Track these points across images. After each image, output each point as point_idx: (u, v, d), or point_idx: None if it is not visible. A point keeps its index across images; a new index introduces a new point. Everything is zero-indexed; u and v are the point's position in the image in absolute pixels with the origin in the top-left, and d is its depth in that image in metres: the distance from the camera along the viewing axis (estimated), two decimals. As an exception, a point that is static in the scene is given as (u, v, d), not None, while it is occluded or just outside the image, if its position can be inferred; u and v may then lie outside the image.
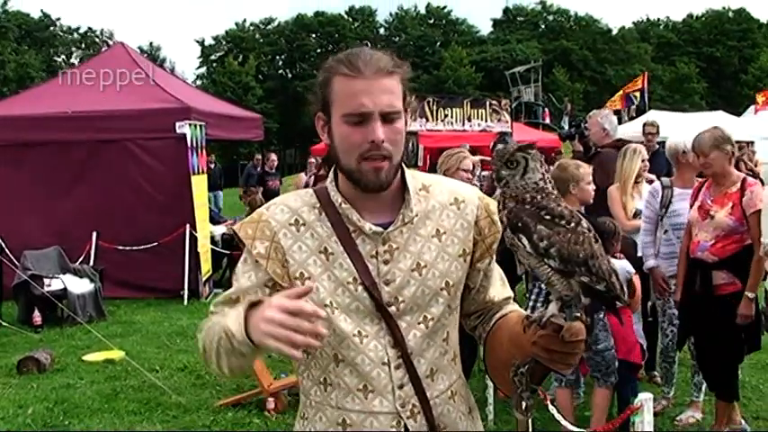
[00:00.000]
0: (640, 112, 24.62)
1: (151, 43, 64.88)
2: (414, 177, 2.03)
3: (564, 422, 3.56)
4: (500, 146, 1.82)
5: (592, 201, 5.35)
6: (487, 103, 20.31)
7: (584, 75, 62.36)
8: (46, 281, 9.68)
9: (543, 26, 68.48)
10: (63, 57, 58.08)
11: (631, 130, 20.07)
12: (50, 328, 9.27)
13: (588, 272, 1.70)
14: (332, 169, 2.01)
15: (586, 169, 5.21)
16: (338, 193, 1.98)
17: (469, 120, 19.74)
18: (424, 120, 18.91)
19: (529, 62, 47.37)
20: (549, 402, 3.62)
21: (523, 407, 1.85)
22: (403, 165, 2.00)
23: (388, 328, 1.94)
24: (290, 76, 63.29)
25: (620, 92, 27.27)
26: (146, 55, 52.48)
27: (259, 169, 18.05)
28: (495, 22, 69.87)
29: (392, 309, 1.94)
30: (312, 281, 1.93)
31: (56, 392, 6.79)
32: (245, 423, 5.94)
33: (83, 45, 59.77)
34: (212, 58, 64.25)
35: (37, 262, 9.94)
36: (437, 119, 19.15)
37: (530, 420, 2.08)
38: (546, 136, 24.14)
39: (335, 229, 1.95)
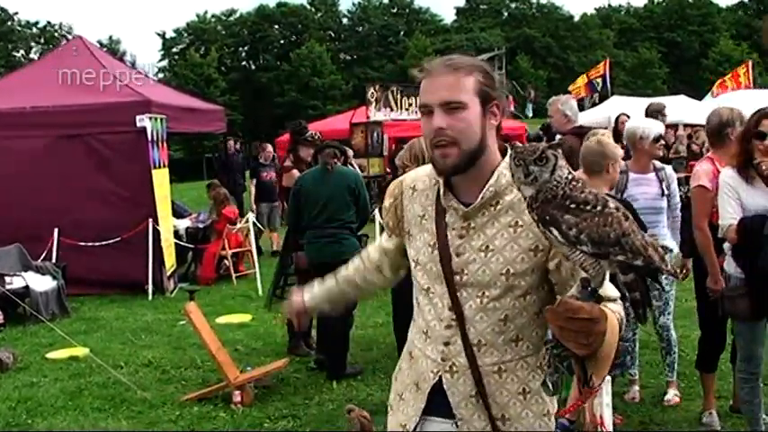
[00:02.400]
0: (603, 98, 24.82)
1: (111, 37, 64.26)
2: (509, 169, 2.10)
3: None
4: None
5: None
6: (451, 91, 20.26)
7: (547, 62, 62.68)
8: (7, 279, 9.55)
9: (506, 14, 68.70)
10: (22, 52, 57.31)
11: (596, 116, 20.29)
12: (13, 326, 9.15)
13: (623, 250, 1.77)
14: None
15: (620, 151, 5.14)
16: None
17: (433, 109, 19.67)
18: (389, 109, 18.89)
19: (492, 50, 47.49)
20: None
21: (546, 385, 1.94)
22: (510, 153, 2.05)
23: (450, 293, 2.22)
24: (253, 67, 62.88)
25: (583, 78, 27.40)
26: (105, 49, 51.93)
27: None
28: (459, 11, 70.04)
29: (456, 278, 2.22)
30: (412, 239, 2.37)
31: (18, 391, 6.71)
32: (211, 417, 5.91)
33: (42, 40, 59.00)
34: (174, 50, 63.68)
35: (-3, 260, 9.81)
36: (401, 108, 19.13)
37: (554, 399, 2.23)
38: (511, 123, 24.21)
39: (436, 199, 2.29)
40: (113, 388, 6.66)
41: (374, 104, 18.42)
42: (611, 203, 1.81)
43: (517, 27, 64.83)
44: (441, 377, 2.24)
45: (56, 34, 58.93)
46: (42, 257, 10.45)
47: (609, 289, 2.09)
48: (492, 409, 2.21)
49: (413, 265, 2.34)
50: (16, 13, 58.85)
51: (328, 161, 6.79)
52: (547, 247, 2.13)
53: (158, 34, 64.58)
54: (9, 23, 57.67)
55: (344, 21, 67.56)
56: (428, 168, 2.35)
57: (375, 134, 18.31)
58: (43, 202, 10.63)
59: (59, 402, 6.38)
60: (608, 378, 3.34)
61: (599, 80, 25.89)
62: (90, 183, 10.77)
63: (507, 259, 2.17)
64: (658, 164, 5.82)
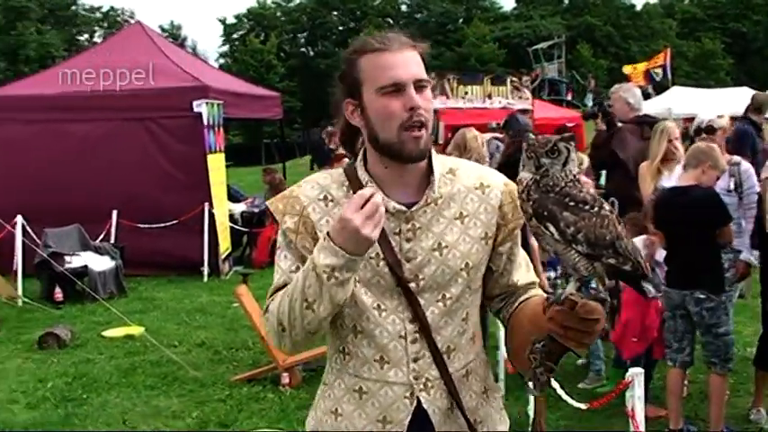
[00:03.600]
0: (663, 88, 24.39)
1: (172, 22, 65.07)
2: (441, 161, 2.09)
3: (566, 396, 3.58)
4: (520, 132, 1.81)
5: None
6: (508, 80, 20.11)
7: (608, 51, 61.75)
8: (67, 258, 9.81)
9: (567, 2, 67.82)
10: (86, 36, 58.32)
11: (656, 106, 20.00)
12: (72, 304, 9.41)
13: (615, 253, 1.73)
14: (361, 150, 2.08)
15: (723, 162, 5.15)
16: (366, 172, 2.05)
17: (490, 97, 19.57)
18: (445, 97, 18.85)
19: (552, 38, 46.96)
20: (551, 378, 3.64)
21: (538, 384, 1.87)
22: (432, 149, 2.06)
23: (408, 304, 2.01)
24: (312, 53, 63.16)
25: (642, 66, 26.88)
26: (167, 34, 52.68)
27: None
28: (518, -2, 69.38)
29: (412, 285, 2.01)
30: None
31: (75, 367, 6.92)
32: (259, 397, 6.02)
33: (105, 24, 59.98)
34: (234, 36, 64.23)
35: (58, 240, 10.07)
36: (457, 96, 19.06)
37: (545, 398, 2.07)
38: (568, 113, 23.97)
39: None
40: (166, 366, 6.82)
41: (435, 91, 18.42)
42: (607, 205, 1.78)
43: (578, 15, 63.95)
44: (418, 398, 2.02)
45: (118, 19, 59.84)
46: (101, 238, 10.71)
47: (525, 275, 2.15)
48: (469, 416, 2.06)
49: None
50: (80, -3, 59.86)
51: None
52: (494, 233, 2.07)
53: (219, 20, 65.10)
54: (73, 8, 58.68)
55: (403, 8, 67.42)
56: (321, 176, 2.13)
57: (431, 122, 18.31)
58: (103, 184, 10.88)
59: (113, 379, 6.56)
60: (640, 370, 3.33)
61: (658, 70, 25.34)
62: (148, 166, 10.99)
63: (463, 252, 2.03)
64: (735, 158, 5.73)
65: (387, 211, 1.97)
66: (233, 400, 6.00)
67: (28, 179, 10.99)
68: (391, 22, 64.29)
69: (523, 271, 2.14)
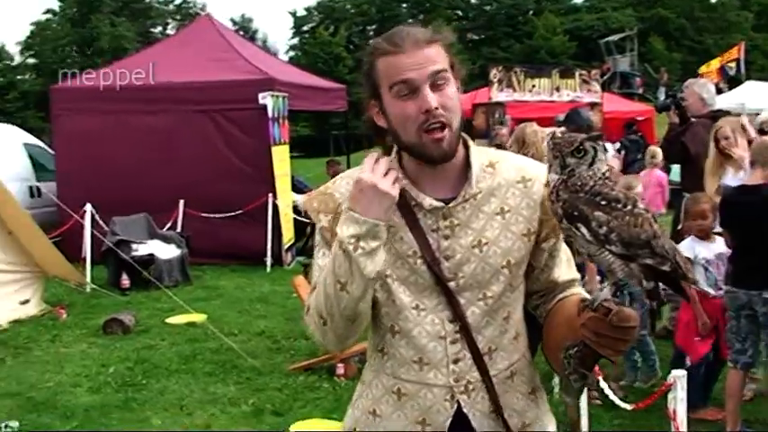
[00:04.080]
0: (737, 82, 23.80)
1: (243, 15, 65.83)
2: (481, 153, 2.01)
3: (613, 396, 3.54)
4: (560, 131, 1.73)
5: None
6: (577, 73, 19.88)
7: (681, 44, 60.47)
8: (134, 246, 10.07)
9: (640, -7, 66.67)
10: (159, 28, 59.36)
11: (729, 101, 19.52)
12: (138, 291, 9.64)
13: (652, 253, 1.67)
14: (394, 147, 2.02)
15: None
16: (400, 168, 1.97)
17: (558, 90, 19.38)
18: (511, 90, 18.71)
19: (624, 31, 46.23)
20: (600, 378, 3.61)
21: (572, 391, 1.84)
22: (470, 140, 2.00)
23: (447, 303, 1.95)
24: (380, 46, 63.31)
25: (716, 62, 26.23)
26: (237, 27, 53.33)
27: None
28: (591, -10, 68.34)
29: (451, 284, 1.94)
30: None
31: (137, 353, 7.09)
32: (314, 387, 6.08)
33: (178, 16, 60.99)
34: (304, 29, 64.71)
35: (125, 228, 10.33)
36: (524, 89, 18.89)
37: (579, 405, 2.00)
38: (639, 107, 23.59)
39: (398, 202, 1.91)
40: (225, 354, 6.93)
41: (496, 85, 18.30)
42: (641, 204, 1.72)
43: (651, 7, 62.72)
44: (458, 401, 1.96)
45: (191, 11, 60.77)
46: (168, 227, 10.95)
47: (566, 272, 2.07)
48: (512, 420, 1.99)
49: (378, 285, 1.93)
50: (154, -10, 60.96)
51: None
52: (536, 229, 1.98)
53: (290, 13, 65.78)
54: (147, 0, 59.79)
55: (473, 0, 67.07)
56: (357, 171, 1.96)
57: (497, 115, 18.19)
58: (170, 174, 11.11)
59: (173, 365, 6.70)
60: (683, 372, 3.27)
61: (732, 64, 24.67)
62: (214, 157, 11.18)
63: (505, 249, 1.95)
64: None
65: (423, 208, 1.94)
66: (289, 389, 6.08)
67: (98, 169, 11.29)
68: (460, 13, 64.06)
69: (564, 267, 2.07)
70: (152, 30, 58.27)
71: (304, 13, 65.77)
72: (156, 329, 7.96)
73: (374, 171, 1.82)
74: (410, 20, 61.74)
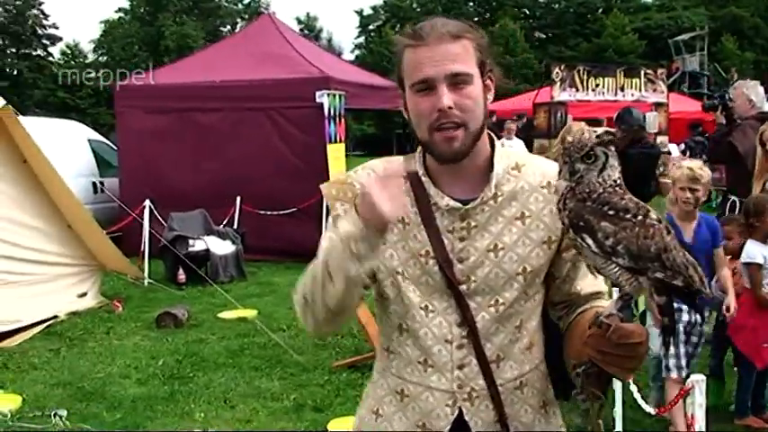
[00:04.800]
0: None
1: (308, 14, 66.34)
2: (506, 155, 1.96)
3: (641, 400, 3.50)
4: (574, 136, 1.64)
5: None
6: (642, 72, 19.45)
7: (755, 43, 59.08)
8: (190, 241, 10.24)
9: (713, -9, 65.32)
10: (228, 27, 60.16)
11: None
12: (193, 285, 9.80)
13: (662, 267, 1.59)
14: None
15: None
16: (422, 165, 1.95)
17: (622, 89, 18.96)
18: (574, 89, 18.47)
19: (694, 30, 45.30)
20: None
21: (581, 412, 1.80)
22: (497, 141, 1.96)
23: (457, 306, 1.90)
24: (446, 45, 63.20)
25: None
26: (302, 26, 53.73)
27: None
28: (661, -12, 67.18)
29: (463, 287, 1.89)
30: (386, 248, 1.91)
31: (187, 346, 7.22)
32: (357, 384, 6.11)
33: (246, 15, 61.76)
34: (370, 27, 64.94)
35: (183, 224, 10.52)
36: (587, 88, 18.59)
37: (594, 424, 1.80)
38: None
39: (417, 199, 1.92)
40: (272, 349, 7.03)
41: (558, 84, 18.10)
42: (653, 214, 1.64)
43: (723, 6, 61.35)
44: (460, 408, 1.91)
45: (259, 10, 61.48)
46: (224, 223, 11.11)
47: (591, 285, 1.98)
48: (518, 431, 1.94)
49: (389, 280, 1.93)
50: (223, -10, 61.80)
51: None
52: (558, 237, 1.91)
53: (356, 12, 66.00)
54: (217, 0, 60.67)
55: (541, -2, 66.50)
56: (380, 163, 2.03)
57: (558, 115, 17.97)
58: (227, 171, 11.29)
59: (221, 359, 6.82)
60: (702, 377, 3.21)
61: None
62: (270, 155, 11.31)
63: (522, 256, 1.89)
64: None
65: (440, 208, 1.91)
66: (331, 385, 6.13)
67: (158, 165, 11.56)
68: (527, 11, 63.56)
69: (589, 280, 1.98)
70: (221, 29, 59.12)
71: (370, 11, 66.01)
72: (208, 324, 8.09)
73: (380, 185, 1.74)
74: (476, 18, 61.59)
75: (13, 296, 7.63)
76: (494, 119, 16.44)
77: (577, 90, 18.48)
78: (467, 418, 1.91)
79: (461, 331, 1.90)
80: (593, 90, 18.64)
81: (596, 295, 1.99)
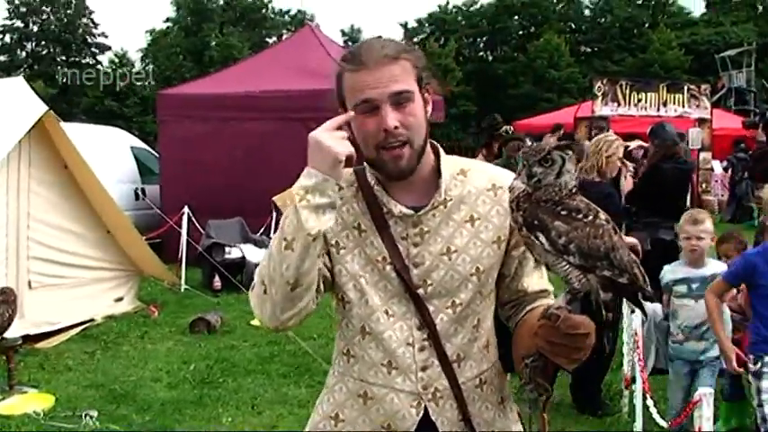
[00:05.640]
0: None
1: (352, 26, 66.60)
2: (452, 162, 2.04)
3: (655, 414, 3.49)
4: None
5: None
6: (685, 87, 19.37)
7: (805, 59, 58.25)
8: (227, 249, 10.38)
9: (761, 8, 64.44)
10: (274, 38, 60.75)
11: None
12: (229, 293, 9.93)
13: (610, 265, 1.68)
14: None
15: None
16: (373, 174, 2.01)
17: (665, 105, 18.92)
18: (616, 104, 18.38)
19: (742, 45, 44.78)
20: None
21: (531, 401, 1.86)
22: (441, 149, 2.03)
23: (416, 310, 1.96)
24: (490, 58, 63.04)
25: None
26: (346, 38, 54.03)
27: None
28: (709, 3, 66.25)
29: (420, 291, 1.96)
30: (345, 252, 1.98)
31: (219, 352, 7.32)
32: (383, 393, 6.15)
33: (292, 27, 62.30)
34: (414, 40, 65.07)
35: (220, 231, 10.68)
36: (629, 103, 18.52)
37: (539, 416, 1.93)
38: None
39: (370, 208, 1.99)
40: (302, 357, 7.09)
41: (600, 98, 18.05)
42: (602, 215, 1.72)
43: (773, 21, 60.64)
44: (425, 408, 1.97)
45: (304, 22, 61.99)
46: (261, 232, 11.22)
47: (537, 282, 2.06)
48: (480, 428, 2.00)
49: (352, 284, 1.99)
50: (270, 1, 62.35)
51: (511, 154, 6.86)
52: (507, 236, 1.99)
53: (400, 24, 66.16)
54: (263, 11, 61.27)
55: (586, 12, 66.10)
56: None
57: (599, 130, 17.93)
58: (265, 179, 11.33)
59: (251, 366, 6.90)
60: (710, 391, 3.20)
61: None
62: (306, 164, 11.38)
63: (474, 257, 1.97)
64: None
65: (393, 215, 1.97)
66: (358, 394, 6.16)
67: (197, 173, 11.70)
68: (573, 26, 63.28)
69: (536, 278, 2.06)
70: (266, 40, 59.67)
71: (415, 24, 66.14)
72: (240, 330, 8.19)
73: (325, 128, 1.82)
74: (521, 32, 61.54)
75: (52, 299, 7.81)
76: (561, 132, 16.42)
77: (619, 104, 18.47)
78: (433, 417, 1.97)
79: (422, 334, 1.96)
80: (635, 105, 18.61)
81: (543, 293, 2.07)
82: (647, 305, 1.93)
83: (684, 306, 4.71)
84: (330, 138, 1.80)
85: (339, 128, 1.84)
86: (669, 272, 4.86)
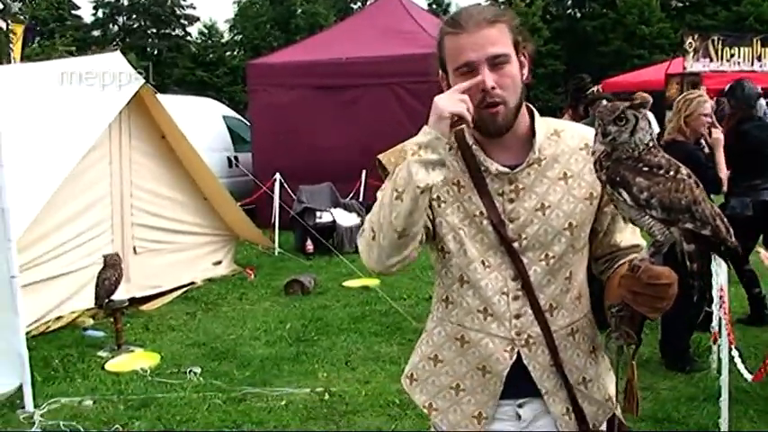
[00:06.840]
0: None
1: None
2: (546, 123, 2.13)
3: (740, 365, 3.55)
4: (604, 105, 1.73)
5: None
6: (781, 40, 18.77)
7: None
8: (318, 213, 10.67)
9: None
10: (359, 4, 60.77)
11: None
12: (320, 256, 10.25)
13: (692, 218, 1.73)
14: None
15: None
16: (472, 135, 2.11)
17: (759, 59, 18.38)
18: (708, 60, 17.95)
19: None
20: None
21: (615, 348, 1.95)
22: (536, 111, 2.12)
23: (511, 262, 2.06)
24: (578, 15, 61.81)
25: None
26: (431, 1, 53.66)
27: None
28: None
29: (515, 244, 2.06)
30: (446, 206, 2.10)
31: (313, 312, 7.61)
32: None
33: (377, -9, 62.29)
34: (500, 0, 64.26)
35: (311, 196, 10.96)
36: (722, 58, 18.06)
37: (628, 364, 2.00)
38: None
39: (468, 166, 2.09)
40: (393, 317, 7.31)
41: (692, 54, 17.63)
42: (684, 170, 1.77)
43: None
44: (518, 353, 2.09)
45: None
46: (350, 196, 11.48)
47: (629, 238, 2.14)
48: (572, 375, 2.11)
49: (452, 235, 2.10)
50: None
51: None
52: (599, 193, 2.06)
53: (486, -16, 65.40)
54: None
55: (679, -35, 64.14)
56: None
57: (691, 86, 17.54)
58: (353, 145, 11.59)
59: (344, 325, 7.15)
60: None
61: None
62: (395, 129, 11.40)
63: (567, 213, 2.06)
64: None
65: (490, 172, 2.07)
66: (447, 350, 6.34)
67: (288, 140, 12.01)
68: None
69: (628, 232, 2.15)
70: (351, 6, 59.76)
71: (501, -16, 65.24)
72: (333, 291, 8.48)
73: (450, 91, 1.94)
74: (609, -12, 59.87)
75: (155, 263, 8.21)
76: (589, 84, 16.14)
77: (711, 60, 18.02)
78: (525, 362, 2.09)
79: (516, 284, 2.07)
80: (727, 60, 18.11)
81: (635, 248, 2.14)
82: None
83: None
84: (445, 98, 1.91)
85: (464, 93, 1.92)
86: None
